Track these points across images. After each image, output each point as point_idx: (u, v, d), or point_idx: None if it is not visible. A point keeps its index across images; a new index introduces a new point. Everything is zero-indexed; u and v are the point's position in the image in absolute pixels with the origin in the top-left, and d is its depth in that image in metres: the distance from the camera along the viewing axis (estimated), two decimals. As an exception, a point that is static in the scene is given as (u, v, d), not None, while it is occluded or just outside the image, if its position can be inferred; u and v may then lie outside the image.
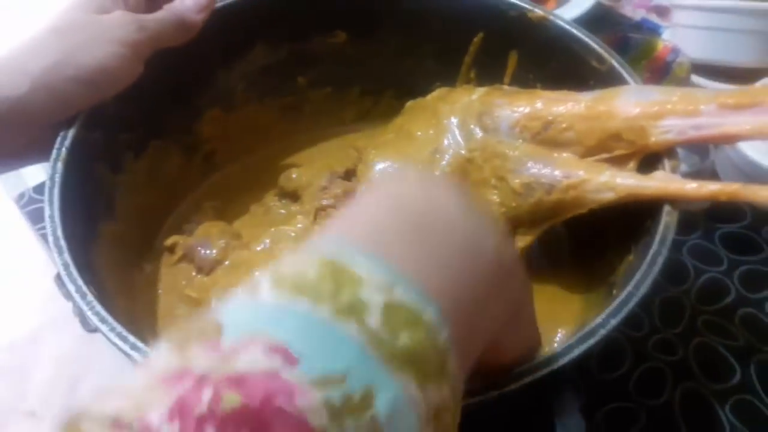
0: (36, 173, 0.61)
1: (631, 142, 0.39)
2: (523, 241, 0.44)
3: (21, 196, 0.61)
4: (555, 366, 0.29)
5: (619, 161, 0.40)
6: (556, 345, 0.41)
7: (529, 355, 0.30)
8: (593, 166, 0.40)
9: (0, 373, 1.08)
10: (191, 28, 0.45)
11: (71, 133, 0.40)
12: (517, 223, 0.43)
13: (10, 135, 0.40)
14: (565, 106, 0.42)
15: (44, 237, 0.39)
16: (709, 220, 0.56)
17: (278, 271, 0.19)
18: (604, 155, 0.40)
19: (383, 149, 0.50)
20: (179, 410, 0.15)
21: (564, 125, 0.41)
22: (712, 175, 0.55)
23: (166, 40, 0.43)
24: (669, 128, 0.38)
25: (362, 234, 0.21)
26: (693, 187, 0.37)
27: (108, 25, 0.41)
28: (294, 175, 0.51)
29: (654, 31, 0.66)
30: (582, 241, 0.48)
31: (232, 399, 0.15)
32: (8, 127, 0.39)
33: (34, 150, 0.41)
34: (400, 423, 0.17)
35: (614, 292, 0.40)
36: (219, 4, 0.47)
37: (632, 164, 0.40)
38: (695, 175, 0.48)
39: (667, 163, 0.39)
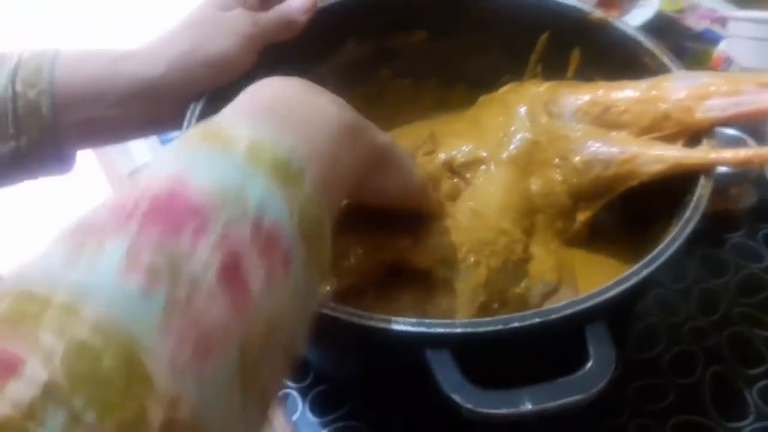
0: (144, 152, 0.71)
1: (679, 121, 0.45)
2: (584, 215, 0.50)
3: (135, 171, 0.69)
4: (591, 303, 0.35)
5: (669, 139, 0.45)
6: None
7: (407, 196, 0.42)
8: (646, 143, 0.46)
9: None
10: (296, 26, 0.53)
11: (198, 108, 0.49)
12: (578, 197, 0.50)
13: (149, 107, 0.49)
14: (623, 92, 0.48)
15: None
16: (754, 220, 0.59)
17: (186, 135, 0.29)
18: (656, 134, 0.46)
19: (457, 136, 0.56)
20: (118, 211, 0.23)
21: (622, 108, 0.47)
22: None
23: (275, 36, 0.52)
24: (712, 107, 0.43)
25: (242, 111, 0.31)
26: (730, 154, 0.43)
27: (229, 20, 0.50)
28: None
29: (714, 41, 0.70)
30: (634, 218, 0.53)
31: (147, 204, 0.23)
32: (147, 101, 0.49)
33: (168, 120, 0.50)
34: (270, 206, 0.25)
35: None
36: (319, 5, 0.55)
37: (680, 142, 0.45)
38: (733, 179, 0.52)
39: (705, 143, 0.45)
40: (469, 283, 0.45)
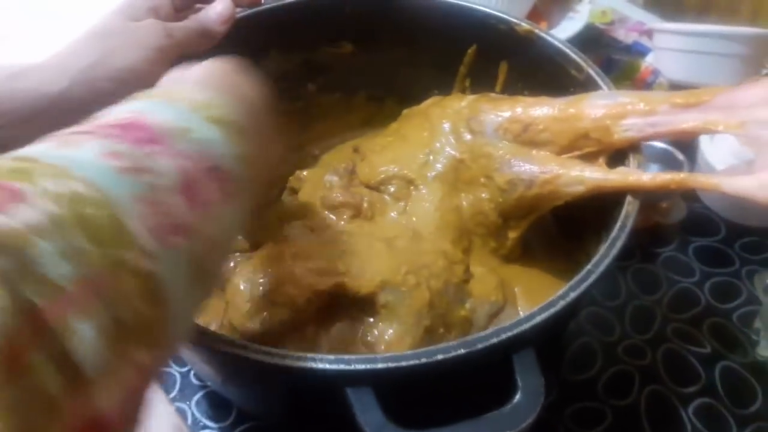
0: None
1: (597, 140, 0.44)
2: (514, 231, 0.48)
3: None
4: (518, 330, 0.34)
5: (590, 158, 0.44)
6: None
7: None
8: (566, 163, 0.45)
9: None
10: (213, 37, 0.50)
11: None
12: (506, 216, 0.48)
13: (54, 127, 0.45)
14: (541, 109, 0.46)
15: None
16: (685, 233, 0.59)
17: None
18: (577, 153, 0.45)
19: (382, 152, 0.55)
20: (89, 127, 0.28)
21: (540, 127, 0.46)
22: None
23: (190, 47, 0.49)
24: (629, 126, 0.42)
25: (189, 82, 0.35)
26: (648, 178, 0.42)
27: (140, 32, 0.46)
28: (304, 173, 0.56)
29: (643, 53, 0.70)
30: (566, 231, 0.52)
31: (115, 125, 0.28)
32: (51, 119, 0.45)
33: None
34: (214, 145, 0.29)
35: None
36: (238, 15, 0.53)
37: (602, 160, 0.44)
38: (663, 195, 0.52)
39: (632, 159, 0.44)
40: (412, 307, 0.44)
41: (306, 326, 0.43)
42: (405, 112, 0.57)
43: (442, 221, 0.50)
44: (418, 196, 0.51)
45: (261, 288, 0.43)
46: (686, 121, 0.41)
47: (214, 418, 0.48)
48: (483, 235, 0.50)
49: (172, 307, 0.24)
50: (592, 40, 0.76)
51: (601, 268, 0.37)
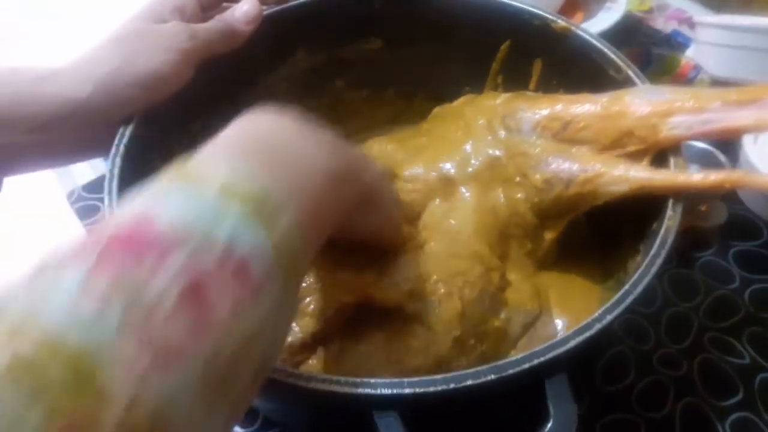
0: (85, 172, 0.67)
1: (643, 139, 0.42)
2: (551, 232, 0.47)
3: (71, 193, 0.65)
4: (551, 355, 0.32)
5: (633, 157, 0.43)
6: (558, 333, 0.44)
7: (385, 234, 0.42)
8: (608, 161, 0.43)
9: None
10: (239, 37, 0.49)
11: (128, 131, 0.45)
12: (543, 216, 0.47)
13: (74, 132, 0.45)
14: (582, 106, 0.45)
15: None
16: (725, 237, 0.57)
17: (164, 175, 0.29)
18: (619, 151, 0.43)
19: (419, 152, 0.53)
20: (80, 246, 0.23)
21: (581, 124, 0.44)
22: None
23: (215, 48, 0.48)
24: (677, 124, 0.41)
25: (222, 150, 0.31)
26: (699, 177, 0.40)
27: (163, 35, 0.45)
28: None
29: (683, 44, 0.67)
30: (600, 235, 0.51)
31: (112, 236, 0.24)
32: (73, 125, 0.44)
33: (95, 145, 0.46)
34: (242, 237, 0.25)
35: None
36: (265, 13, 0.51)
37: (645, 161, 0.42)
38: (703, 197, 0.50)
39: (672, 160, 0.42)
40: (441, 317, 0.42)
41: (333, 339, 0.42)
42: (436, 110, 0.56)
43: (480, 223, 0.48)
44: (457, 197, 0.49)
45: None
46: (740, 119, 0.39)
47: (240, 424, 0.48)
48: (519, 237, 0.48)
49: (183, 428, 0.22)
50: (630, 29, 0.73)
51: (640, 288, 0.35)
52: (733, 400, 0.48)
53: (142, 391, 0.21)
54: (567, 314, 0.47)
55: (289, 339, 0.41)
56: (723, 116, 0.40)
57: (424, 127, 0.55)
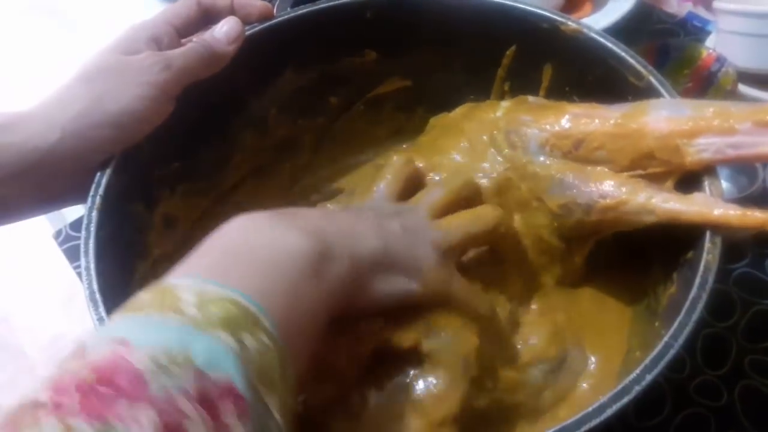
0: (74, 209, 0.62)
1: (665, 161, 0.38)
2: (580, 253, 0.43)
3: (59, 233, 0.61)
4: (584, 428, 0.29)
5: (655, 178, 0.38)
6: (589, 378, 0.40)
7: (398, 294, 0.36)
8: (629, 185, 0.38)
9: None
10: (221, 60, 0.45)
11: (104, 179, 0.41)
12: (569, 237, 0.43)
13: (45, 181, 0.41)
14: (594, 123, 0.40)
15: (80, 275, 0.39)
16: (758, 246, 0.53)
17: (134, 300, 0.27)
18: (640, 173, 0.39)
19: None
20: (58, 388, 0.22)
21: (595, 144, 0.40)
22: (762, 198, 0.52)
23: (195, 74, 0.43)
24: (705, 147, 0.36)
25: (194, 266, 0.29)
26: (737, 215, 0.35)
27: (134, 68, 0.41)
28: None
29: (701, 28, 0.63)
30: (629, 254, 0.46)
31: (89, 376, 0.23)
32: (42, 174, 0.40)
33: (69, 193, 0.42)
34: (218, 363, 0.24)
35: (656, 324, 0.39)
36: (247, 32, 0.47)
37: (669, 182, 0.38)
38: (744, 200, 0.45)
39: (707, 183, 0.37)
40: (457, 354, 0.38)
41: (351, 395, 0.38)
42: (431, 121, 0.52)
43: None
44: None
45: None
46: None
47: None
48: (547, 264, 0.44)
49: None
50: (642, 17, 0.69)
51: (680, 341, 0.32)
52: (780, 432, 0.44)
53: None
54: (598, 347, 0.43)
55: (303, 407, 0.38)
56: (757, 140, 0.35)
57: (422, 141, 0.51)
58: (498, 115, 0.46)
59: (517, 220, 0.44)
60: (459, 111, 0.50)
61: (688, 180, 0.39)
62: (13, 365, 1.21)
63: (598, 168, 0.40)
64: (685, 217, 0.36)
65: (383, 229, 0.36)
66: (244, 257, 0.30)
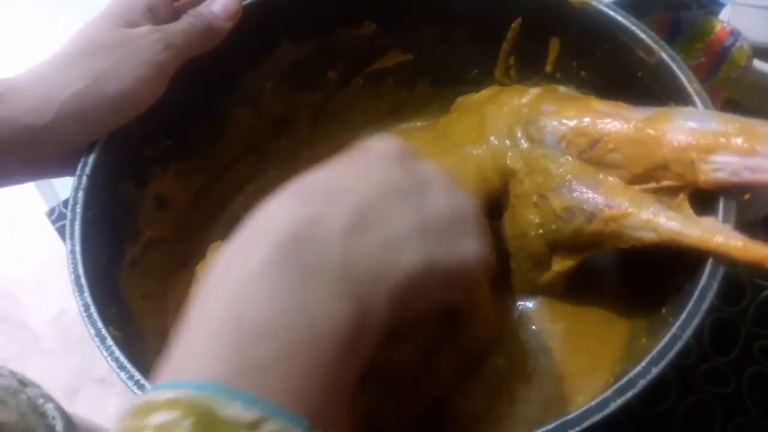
0: (67, 186, 0.61)
1: (679, 176, 0.35)
2: (561, 265, 0.41)
3: (52, 211, 0.60)
4: (587, 423, 0.27)
5: (668, 192, 0.36)
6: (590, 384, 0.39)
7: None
8: (638, 198, 0.36)
9: (74, 343, 1.14)
10: (218, 36, 0.43)
11: (91, 158, 0.39)
12: (555, 246, 0.41)
13: (33, 157, 0.40)
14: (614, 124, 0.38)
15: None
16: (756, 278, 0.49)
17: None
18: (653, 185, 0.36)
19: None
20: None
21: (611, 146, 0.38)
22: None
23: (192, 51, 0.42)
24: (722, 166, 0.34)
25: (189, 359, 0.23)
26: (738, 246, 0.33)
27: (136, 46, 0.39)
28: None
29: (715, 1, 0.60)
30: (632, 266, 0.45)
31: None
32: (31, 150, 0.39)
33: (59, 167, 0.41)
34: None
35: (663, 310, 0.37)
36: (243, 2, 0.45)
37: (682, 196, 0.36)
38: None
39: (722, 206, 0.35)
40: None
41: None
42: (458, 100, 0.50)
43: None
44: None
45: None
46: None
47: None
48: (522, 260, 0.43)
49: None
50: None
51: (689, 332, 0.30)
52: (789, 420, 0.43)
53: None
54: (585, 345, 0.41)
55: None
56: None
57: (442, 121, 0.49)
58: (523, 101, 0.44)
59: (509, 214, 0.43)
60: (485, 93, 0.48)
61: (704, 197, 0.36)
62: (18, 339, 1.22)
63: (611, 178, 0.38)
64: (686, 241, 0.34)
65: (422, 226, 0.28)
66: (267, 344, 0.23)
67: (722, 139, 0.34)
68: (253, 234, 0.26)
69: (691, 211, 0.35)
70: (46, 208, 0.60)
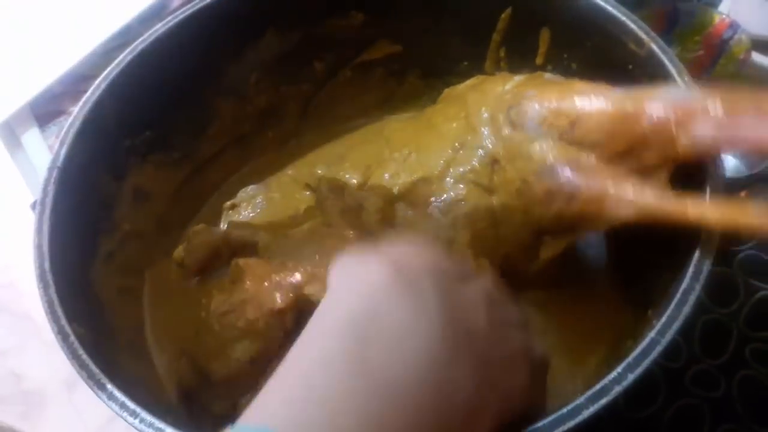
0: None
1: (660, 150, 0.34)
2: (548, 252, 0.40)
3: (34, 204, 0.59)
4: (561, 429, 0.26)
5: (649, 170, 0.35)
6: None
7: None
8: (617, 177, 0.35)
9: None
10: None
11: (64, 149, 0.39)
12: (540, 231, 0.40)
13: None
14: (591, 102, 0.37)
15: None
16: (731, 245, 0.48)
17: None
18: (634, 163, 0.35)
19: (404, 143, 0.46)
20: None
21: (590, 124, 0.37)
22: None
23: None
24: (700, 135, 0.33)
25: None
26: (715, 217, 0.32)
27: None
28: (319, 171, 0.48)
29: (713, -5, 0.58)
30: (621, 257, 0.44)
31: None
32: None
33: None
34: None
35: (649, 312, 0.36)
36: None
37: (664, 174, 0.35)
38: (753, 178, 0.42)
39: (709, 184, 0.34)
40: None
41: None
42: (445, 92, 0.48)
43: (471, 237, 0.41)
44: (439, 207, 0.42)
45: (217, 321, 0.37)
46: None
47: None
48: (510, 249, 0.41)
49: None
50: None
51: (668, 337, 0.29)
52: (780, 426, 0.41)
53: None
54: (575, 337, 0.41)
55: (227, 369, 0.36)
56: (754, 129, 0.32)
57: (427, 112, 0.48)
58: (507, 88, 0.43)
59: (495, 203, 0.41)
60: (469, 82, 0.47)
61: (689, 173, 0.35)
62: (20, 329, 1.22)
63: (592, 158, 0.37)
64: (664, 214, 0.33)
65: (477, 358, 0.26)
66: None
67: (700, 107, 0.32)
68: None
69: (670, 188, 0.34)
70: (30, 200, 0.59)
